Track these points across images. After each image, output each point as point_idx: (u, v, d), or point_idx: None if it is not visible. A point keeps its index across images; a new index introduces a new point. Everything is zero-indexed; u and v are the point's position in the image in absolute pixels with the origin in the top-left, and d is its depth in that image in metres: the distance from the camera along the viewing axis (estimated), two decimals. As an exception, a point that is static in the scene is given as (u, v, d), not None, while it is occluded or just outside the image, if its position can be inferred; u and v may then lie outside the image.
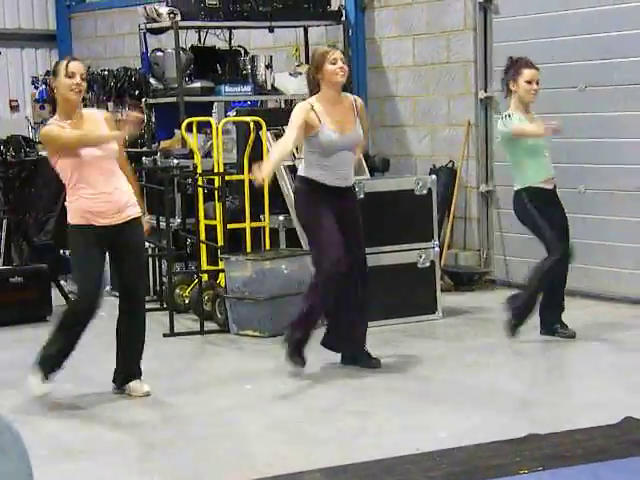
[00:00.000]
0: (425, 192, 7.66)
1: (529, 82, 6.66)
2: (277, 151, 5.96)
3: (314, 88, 6.05)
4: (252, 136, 7.82)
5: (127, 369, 5.80)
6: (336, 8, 9.64)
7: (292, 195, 6.81)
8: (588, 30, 8.09)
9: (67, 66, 5.60)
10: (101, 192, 5.53)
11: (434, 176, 7.98)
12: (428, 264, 7.66)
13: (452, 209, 9.13)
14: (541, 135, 6.60)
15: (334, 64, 5.95)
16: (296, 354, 6.11)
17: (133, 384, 5.78)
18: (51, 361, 5.67)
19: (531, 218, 6.70)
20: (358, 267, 6.09)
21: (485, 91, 9.02)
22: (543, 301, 6.75)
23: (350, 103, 6.13)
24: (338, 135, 5.96)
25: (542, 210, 6.64)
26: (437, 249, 7.74)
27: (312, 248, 6.12)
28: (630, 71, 7.90)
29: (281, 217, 7.96)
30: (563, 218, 6.76)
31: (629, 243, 8.00)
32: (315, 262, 6.03)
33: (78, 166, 5.50)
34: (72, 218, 5.62)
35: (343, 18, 9.66)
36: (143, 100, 9.55)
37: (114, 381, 5.83)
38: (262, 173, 5.72)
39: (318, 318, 6.18)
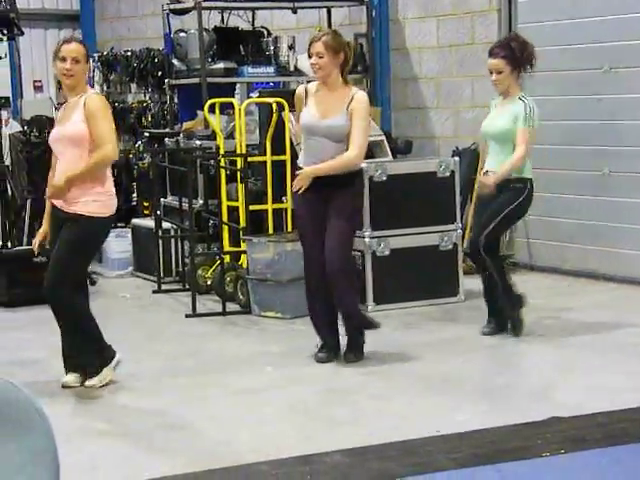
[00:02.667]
0: (448, 174, 7.63)
1: (490, 72, 6.45)
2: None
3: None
4: (274, 117, 7.80)
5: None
6: (360, -12, 9.60)
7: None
8: (612, 11, 8.01)
9: (60, 49, 5.49)
10: None
11: (457, 158, 7.95)
12: (450, 246, 7.63)
13: (475, 192, 9.08)
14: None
15: (310, 57, 5.94)
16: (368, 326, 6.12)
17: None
18: None
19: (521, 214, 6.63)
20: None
21: (509, 73, 8.95)
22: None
23: (346, 95, 5.92)
24: (315, 119, 5.88)
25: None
26: (459, 231, 7.71)
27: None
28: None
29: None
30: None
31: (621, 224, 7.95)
32: None
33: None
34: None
35: (367, -1, 9.61)
36: (166, 81, 9.56)
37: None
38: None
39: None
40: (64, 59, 5.45)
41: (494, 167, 6.43)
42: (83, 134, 5.39)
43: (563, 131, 8.25)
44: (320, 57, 5.85)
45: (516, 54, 6.41)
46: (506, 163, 6.33)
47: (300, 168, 5.95)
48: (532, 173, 6.47)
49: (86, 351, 5.57)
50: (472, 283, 8.01)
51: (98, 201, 5.43)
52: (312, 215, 5.89)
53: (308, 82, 8.76)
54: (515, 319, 6.51)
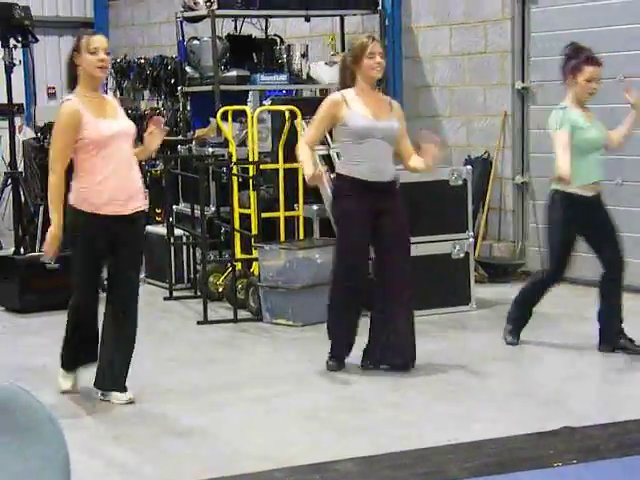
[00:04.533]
0: (460, 183, 7.62)
1: (589, 81, 6.16)
2: (301, 154, 5.90)
3: (347, 77, 5.97)
4: (287, 125, 7.81)
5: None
6: (373, -3, 9.61)
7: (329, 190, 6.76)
8: (626, 20, 8.00)
9: (89, 41, 5.18)
10: None
11: (469, 167, 7.94)
12: (462, 255, 7.62)
13: (487, 200, 9.08)
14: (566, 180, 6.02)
15: (372, 58, 5.87)
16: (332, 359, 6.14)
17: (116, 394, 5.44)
18: None
19: (552, 222, 6.32)
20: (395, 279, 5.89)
21: (522, 81, 8.96)
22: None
23: (385, 101, 6.05)
24: (370, 121, 5.85)
25: (567, 222, 6.19)
26: (472, 240, 7.70)
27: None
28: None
29: (315, 206, 7.95)
30: (581, 238, 6.34)
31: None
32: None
33: None
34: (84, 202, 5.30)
35: (379, 7, 9.62)
36: (179, 88, 9.58)
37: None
38: (308, 176, 5.71)
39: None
40: (96, 51, 5.18)
41: (599, 178, 6.27)
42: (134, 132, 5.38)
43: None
44: (382, 56, 5.90)
45: None
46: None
47: (358, 181, 5.80)
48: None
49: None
50: (484, 292, 8.01)
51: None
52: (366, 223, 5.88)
53: (326, 91, 8.78)
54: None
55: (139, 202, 5.34)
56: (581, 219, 6.22)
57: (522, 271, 8.95)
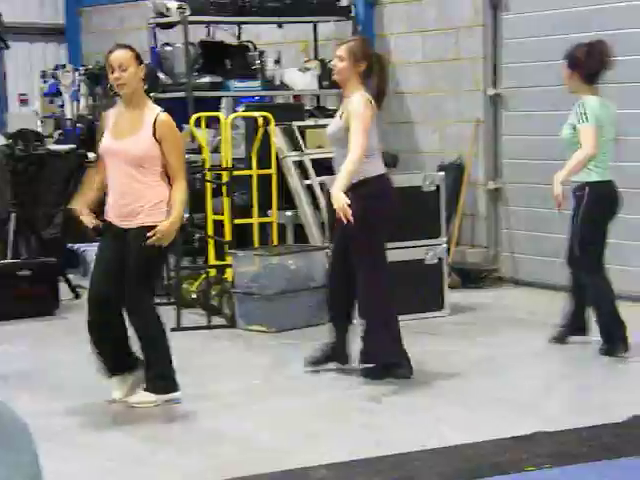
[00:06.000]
0: (433, 188, 7.65)
1: None
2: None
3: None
4: (260, 131, 7.82)
5: None
6: (345, 3, 9.62)
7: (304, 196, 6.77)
8: (596, 27, 8.04)
9: (107, 59, 5.38)
10: None
11: (442, 173, 7.97)
12: (435, 261, 7.65)
13: (460, 206, 9.11)
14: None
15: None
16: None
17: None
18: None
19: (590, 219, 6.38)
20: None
21: (494, 88, 9.00)
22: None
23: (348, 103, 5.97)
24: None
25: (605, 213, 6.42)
26: (445, 246, 7.73)
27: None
28: (635, 68, 7.88)
29: (289, 213, 7.95)
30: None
31: (635, 241, 7.96)
32: None
33: None
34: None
35: (352, 14, 9.64)
36: (151, 95, 9.54)
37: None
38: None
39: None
40: (112, 69, 5.33)
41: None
42: (153, 155, 5.29)
43: (548, 147, 8.27)
44: (340, 60, 5.83)
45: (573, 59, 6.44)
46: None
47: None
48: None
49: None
50: (458, 297, 8.03)
51: None
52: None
53: (299, 97, 8.76)
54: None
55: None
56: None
57: (495, 276, 8.99)
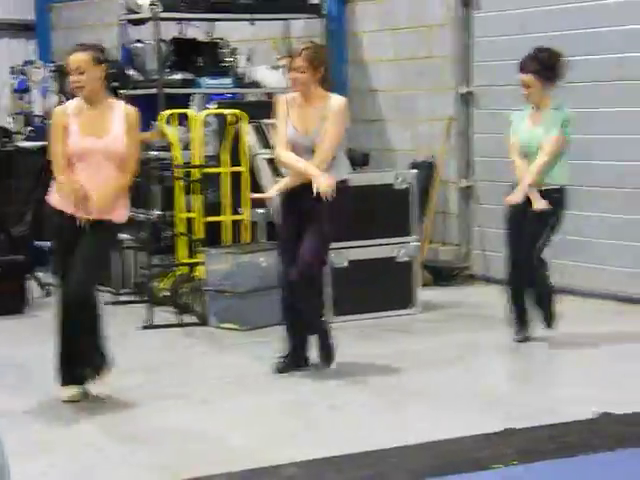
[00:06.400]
0: (405, 186, 7.67)
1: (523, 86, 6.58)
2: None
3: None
4: (231, 129, 7.80)
5: None
6: (317, 1, 9.62)
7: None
8: (566, 26, 8.09)
9: (67, 62, 5.43)
10: None
11: (414, 170, 7.99)
12: (407, 258, 7.66)
13: (432, 204, 9.13)
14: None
15: (289, 71, 5.99)
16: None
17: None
18: None
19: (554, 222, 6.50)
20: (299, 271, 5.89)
21: (466, 86, 9.03)
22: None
23: (323, 105, 5.95)
24: (298, 134, 5.90)
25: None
26: (416, 243, 7.75)
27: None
28: (599, 67, 7.93)
29: (261, 210, 7.94)
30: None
31: (603, 239, 8.01)
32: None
33: None
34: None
35: (324, 11, 9.64)
36: (122, 91, 9.49)
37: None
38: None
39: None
40: (71, 71, 5.41)
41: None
42: (124, 150, 5.39)
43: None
44: (301, 72, 5.84)
45: (545, 68, 6.49)
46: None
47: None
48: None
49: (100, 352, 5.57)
50: (429, 295, 8.06)
51: None
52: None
53: (271, 95, 8.76)
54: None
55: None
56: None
57: (467, 274, 9.03)
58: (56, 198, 5.45)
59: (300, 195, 5.85)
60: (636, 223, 7.81)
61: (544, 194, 6.40)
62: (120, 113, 5.45)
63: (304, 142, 5.89)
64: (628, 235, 7.84)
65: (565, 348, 6.55)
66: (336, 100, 5.94)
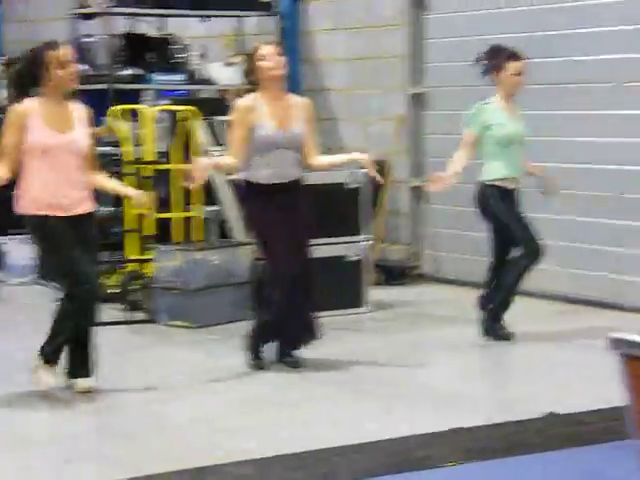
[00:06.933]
0: (356, 186, 7.68)
1: (516, 74, 6.59)
2: (226, 159, 5.99)
3: (255, 85, 6.01)
4: (183, 125, 7.76)
5: None
6: (271, -1, 9.63)
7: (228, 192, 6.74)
8: (515, 29, 8.16)
9: (58, 56, 5.37)
10: None
11: (365, 170, 8.00)
12: (357, 257, 7.68)
13: (383, 203, 9.16)
14: None
15: (263, 60, 5.91)
16: (257, 359, 6.07)
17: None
18: None
19: (493, 214, 6.56)
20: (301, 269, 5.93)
21: (417, 86, 9.08)
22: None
23: (295, 103, 6.03)
24: (278, 131, 5.88)
25: (501, 205, 6.52)
26: (367, 243, 7.77)
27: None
28: (557, 71, 8.01)
29: (212, 208, 7.91)
30: (523, 216, 6.62)
31: (552, 241, 8.08)
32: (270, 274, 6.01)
33: None
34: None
35: (277, 9, 9.64)
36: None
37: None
38: (197, 173, 5.72)
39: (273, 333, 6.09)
40: (65, 64, 5.35)
41: (519, 173, 6.62)
42: (87, 146, 5.47)
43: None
44: (281, 55, 5.90)
45: None
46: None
47: (266, 185, 5.87)
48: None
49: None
50: (379, 294, 8.08)
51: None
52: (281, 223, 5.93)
53: (224, 92, 8.73)
54: (487, 324, 6.66)
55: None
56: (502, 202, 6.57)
57: (417, 273, 9.07)
58: (26, 204, 5.42)
59: (280, 192, 5.86)
60: (569, 224, 7.88)
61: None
62: (81, 111, 5.51)
63: (282, 140, 5.89)
64: (557, 235, 7.89)
65: (515, 348, 6.60)
66: (305, 100, 6.11)
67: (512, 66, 6.58)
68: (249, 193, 5.99)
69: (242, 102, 5.96)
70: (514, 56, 6.61)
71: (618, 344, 2.85)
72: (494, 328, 6.61)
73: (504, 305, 6.63)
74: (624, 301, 7.57)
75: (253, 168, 5.90)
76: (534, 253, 6.52)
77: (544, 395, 5.50)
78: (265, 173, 5.88)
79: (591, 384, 5.60)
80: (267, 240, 5.91)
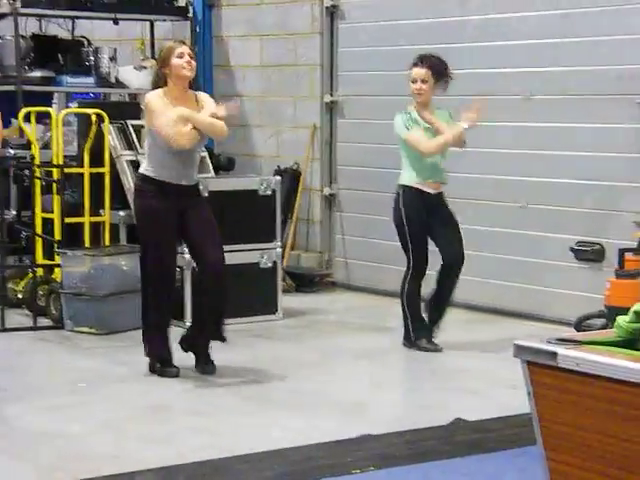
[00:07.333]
0: (269, 193, 7.67)
1: (413, 81, 6.55)
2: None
3: (160, 83, 5.95)
4: (94, 129, 7.65)
5: None
6: (183, 4, 9.56)
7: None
8: (433, 40, 8.22)
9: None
10: None
11: (278, 177, 8.01)
12: (270, 264, 7.67)
13: (295, 211, 9.17)
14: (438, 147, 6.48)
15: (181, 57, 5.88)
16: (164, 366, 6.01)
17: None
18: None
19: (399, 221, 6.57)
20: (212, 270, 5.94)
21: (330, 95, 9.11)
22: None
23: (199, 100, 6.02)
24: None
25: (411, 216, 6.50)
26: (279, 250, 7.76)
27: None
28: (463, 82, 8.10)
29: (122, 212, 7.82)
30: (428, 229, 6.57)
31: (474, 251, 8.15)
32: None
33: None
34: None
35: (190, 14, 9.58)
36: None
37: None
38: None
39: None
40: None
41: (443, 178, 6.64)
42: None
43: (381, 154, 8.40)
44: (192, 57, 5.96)
45: (440, 67, 6.58)
46: None
47: (151, 179, 5.84)
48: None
49: None
50: (291, 301, 8.08)
51: None
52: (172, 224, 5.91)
53: (135, 96, 8.65)
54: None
55: None
56: (423, 213, 6.55)
57: (328, 281, 9.09)
58: None
59: (179, 193, 5.84)
60: (481, 234, 7.96)
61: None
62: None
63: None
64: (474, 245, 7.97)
65: (425, 356, 6.64)
66: (206, 95, 6.15)
67: (412, 72, 6.56)
68: (144, 188, 5.94)
69: (154, 93, 5.91)
70: (414, 63, 6.58)
71: (523, 351, 2.88)
72: (426, 338, 6.65)
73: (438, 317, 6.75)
74: (545, 312, 7.63)
75: (155, 165, 5.87)
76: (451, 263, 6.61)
77: (451, 402, 5.56)
78: (166, 173, 5.85)
79: (498, 391, 5.67)
80: (150, 239, 5.92)
